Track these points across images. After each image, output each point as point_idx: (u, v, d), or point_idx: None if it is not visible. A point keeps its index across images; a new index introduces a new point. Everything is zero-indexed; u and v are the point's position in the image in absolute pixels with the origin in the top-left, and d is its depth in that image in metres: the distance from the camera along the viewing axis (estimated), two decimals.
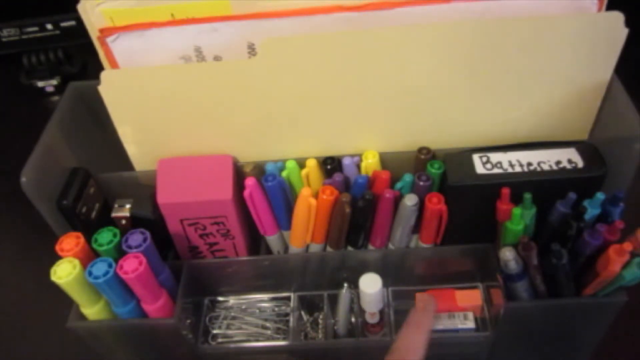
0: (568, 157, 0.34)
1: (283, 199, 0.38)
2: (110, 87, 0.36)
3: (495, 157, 0.35)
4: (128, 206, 0.38)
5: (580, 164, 0.34)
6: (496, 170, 0.34)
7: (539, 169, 0.34)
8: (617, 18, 0.32)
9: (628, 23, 0.32)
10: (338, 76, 0.35)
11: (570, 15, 0.33)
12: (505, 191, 0.33)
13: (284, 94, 0.36)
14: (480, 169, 0.35)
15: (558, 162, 0.34)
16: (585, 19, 0.33)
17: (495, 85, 0.35)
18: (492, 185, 0.34)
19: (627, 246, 0.30)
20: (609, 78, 0.35)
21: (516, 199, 0.33)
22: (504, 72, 0.35)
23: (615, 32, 0.33)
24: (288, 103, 0.36)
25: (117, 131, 0.38)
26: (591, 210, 0.32)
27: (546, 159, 0.34)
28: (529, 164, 0.34)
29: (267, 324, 0.41)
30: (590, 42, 0.33)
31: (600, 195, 0.31)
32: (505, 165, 0.35)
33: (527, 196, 0.32)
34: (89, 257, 0.34)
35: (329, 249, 0.40)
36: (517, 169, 0.34)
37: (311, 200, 0.37)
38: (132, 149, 0.40)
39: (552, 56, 0.34)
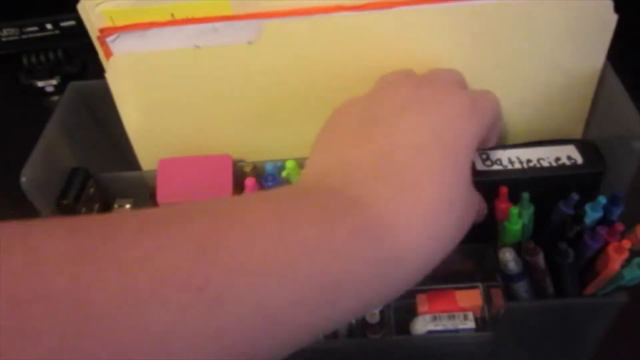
0: (567, 154, 0.34)
1: None
2: (117, 74, 0.36)
3: (494, 154, 0.35)
4: (128, 206, 0.38)
5: (579, 160, 0.34)
6: (496, 167, 0.34)
7: (538, 165, 0.34)
8: (606, 5, 0.32)
9: (628, 21, 0.32)
10: (337, 76, 0.35)
11: (558, 1, 0.33)
12: (503, 190, 0.33)
13: (284, 93, 0.36)
14: (479, 165, 0.35)
15: (557, 159, 0.34)
16: (573, 4, 0.32)
17: (481, 75, 0.35)
18: (492, 182, 0.34)
19: (626, 243, 0.30)
20: (601, 66, 0.35)
21: (516, 196, 0.33)
22: (490, 60, 0.35)
23: (604, 18, 0.33)
24: (288, 102, 0.37)
25: (120, 116, 0.38)
26: (592, 213, 0.32)
27: (545, 156, 0.34)
28: (529, 161, 0.34)
29: None
30: (579, 29, 0.33)
31: (602, 199, 0.31)
32: (505, 162, 0.35)
33: (525, 195, 0.33)
34: None
35: None
36: (517, 165, 0.34)
37: None
38: (135, 136, 0.40)
39: (540, 43, 0.34)
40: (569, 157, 0.34)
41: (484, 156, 0.35)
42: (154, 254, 0.18)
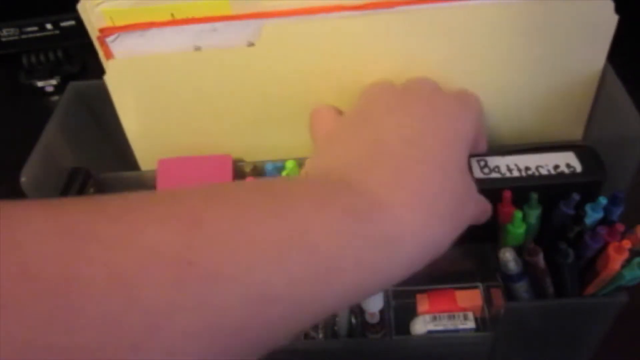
0: (567, 162, 0.34)
1: None
2: (116, 76, 0.36)
3: (493, 161, 0.35)
4: None
5: (578, 168, 0.34)
6: (494, 175, 0.34)
7: (537, 173, 0.34)
8: (607, 6, 0.32)
9: (629, 21, 0.32)
10: (337, 75, 0.35)
11: (559, 2, 0.33)
12: (507, 194, 0.33)
13: (284, 93, 0.36)
14: (478, 173, 0.34)
15: (556, 167, 0.34)
16: (574, 5, 0.32)
17: (481, 76, 0.35)
18: (490, 190, 0.34)
19: (626, 243, 0.30)
20: (602, 67, 0.35)
21: (514, 203, 0.33)
22: (491, 61, 0.35)
23: (605, 19, 0.33)
24: (288, 102, 0.37)
25: (120, 118, 0.38)
26: (593, 214, 0.32)
27: (544, 163, 0.34)
28: (527, 168, 0.34)
29: None
30: (580, 29, 0.33)
31: (602, 200, 0.31)
32: (503, 169, 0.34)
33: (534, 196, 0.32)
34: None
35: None
36: (515, 173, 0.34)
37: None
38: (134, 137, 0.39)
39: (540, 43, 0.34)
40: (568, 165, 0.34)
41: (482, 163, 0.35)
42: (140, 229, 0.17)
